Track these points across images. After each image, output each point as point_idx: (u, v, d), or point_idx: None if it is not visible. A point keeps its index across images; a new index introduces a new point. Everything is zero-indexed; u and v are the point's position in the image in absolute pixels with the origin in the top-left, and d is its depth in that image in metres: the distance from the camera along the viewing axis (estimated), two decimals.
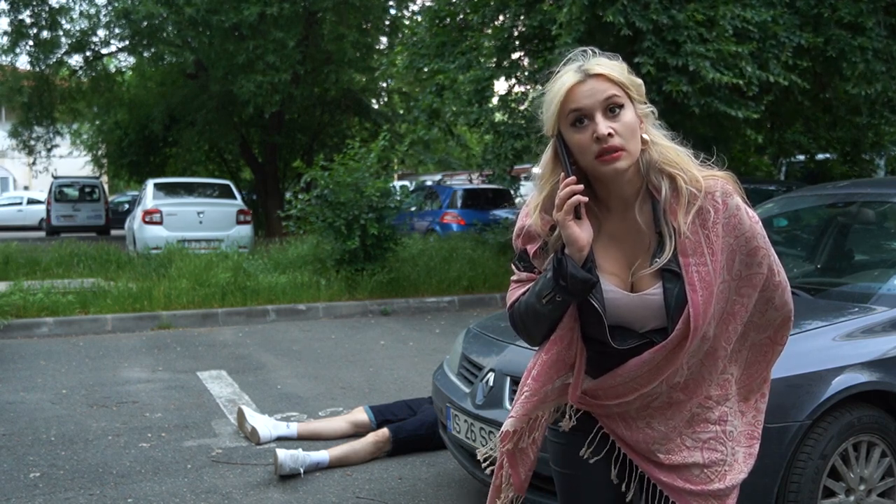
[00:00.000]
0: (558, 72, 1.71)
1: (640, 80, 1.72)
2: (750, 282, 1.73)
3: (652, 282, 1.70)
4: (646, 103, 1.73)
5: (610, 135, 1.63)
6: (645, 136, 1.69)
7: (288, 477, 4.07)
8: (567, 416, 1.84)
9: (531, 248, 1.79)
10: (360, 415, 4.72)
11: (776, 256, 1.77)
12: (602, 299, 1.70)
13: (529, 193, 1.87)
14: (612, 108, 1.65)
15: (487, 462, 2.00)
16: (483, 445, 1.96)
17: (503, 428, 1.86)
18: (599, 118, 1.64)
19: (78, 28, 18.45)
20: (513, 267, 1.85)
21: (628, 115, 1.66)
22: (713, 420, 1.77)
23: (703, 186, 1.68)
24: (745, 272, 1.72)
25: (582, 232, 1.66)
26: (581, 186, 1.65)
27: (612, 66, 1.67)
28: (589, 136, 1.65)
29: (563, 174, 1.69)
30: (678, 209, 1.68)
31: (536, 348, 1.87)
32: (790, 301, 1.81)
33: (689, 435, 1.77)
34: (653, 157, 1.70)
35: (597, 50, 1.72)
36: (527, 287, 1.79)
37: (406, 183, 25.93)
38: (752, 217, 1.71)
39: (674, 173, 1.69)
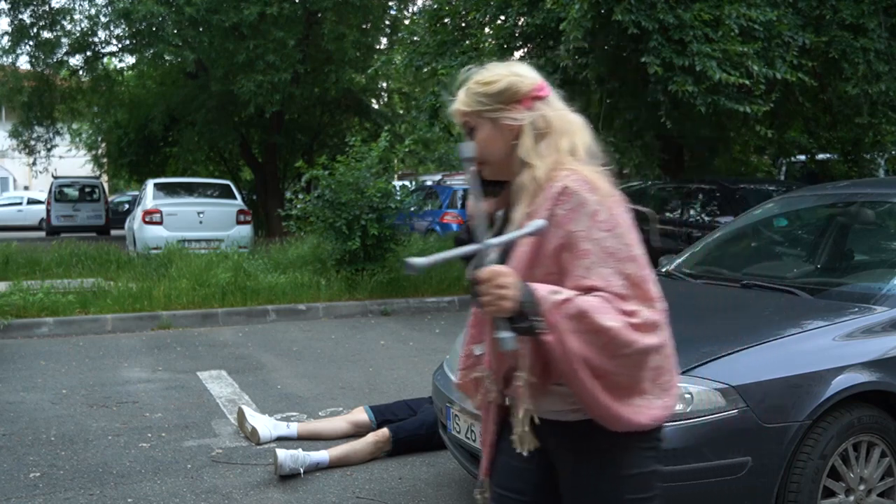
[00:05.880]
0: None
1: (501, 87, 1.84)
2: (575, 284, 1.72)
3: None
4: (506, 105, 1.83)
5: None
6: (515, 141, 1.83)
7: (288, 477, 4.07)
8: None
9: None
10: (360, 415, 4.72)
11: (626, 270, 1.69)
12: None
13: None
14: (469, 132, 1.87)
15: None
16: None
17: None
18: (467, 139, 1.88)
19: (78, 28, 18.46)
20: None
21: (482, 132, 1.85)
22: None
23: (542, 180, 1.78)
24: (570, 271, 1.73)
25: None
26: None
27: (463, 97, 1.87)
28: None
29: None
30: (523, 200, 1.80)
31: None
32: (618, 326, 1.67)
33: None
34: (519, 152, 1.84)
35: (472, 68, 1.90)
36: None
37: (406, 183, 25.90)
38: (596, 218, 1.71)
39: (529, 165, 1.81)
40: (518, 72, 1.87)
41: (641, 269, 1.71)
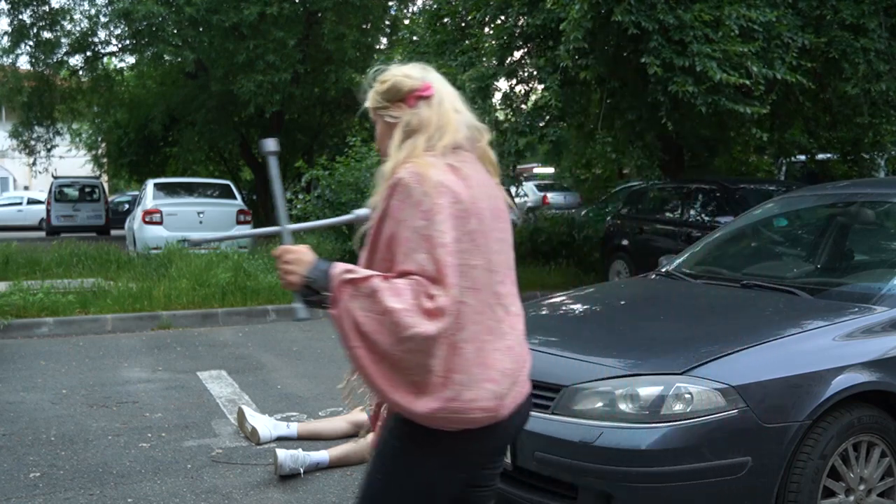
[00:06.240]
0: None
1: (387, 86, 1.97)
2: (398, 269, 1.80)
3: None
4: (391, 103, 1.96)
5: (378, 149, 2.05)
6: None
7: (288, 477, 4.07)
8: None
9: None
10: (360, 415, 4.71)
11: (436, 255, 1.75)
12: None
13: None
14: (374, 125, 2.03)
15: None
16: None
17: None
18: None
19: (78, 28, 18.46)
20: None
21: (378, 128, 2.01)
22: None
23: (387, 174, 1.88)
24: (397, 258, 1.81)
25: None
26: None
27: (369, 94, 2.01)
28: None
29: None
30: (375, 192, 1.92)
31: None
32: (400, 308, 1.73)
33: None
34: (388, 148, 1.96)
35: (381, 68, 2.03)
36: None
37: None
38: (419, 208, 1.77)
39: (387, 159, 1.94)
40: (408, 73, 1.97)
41: (448, 255, 1.76)
